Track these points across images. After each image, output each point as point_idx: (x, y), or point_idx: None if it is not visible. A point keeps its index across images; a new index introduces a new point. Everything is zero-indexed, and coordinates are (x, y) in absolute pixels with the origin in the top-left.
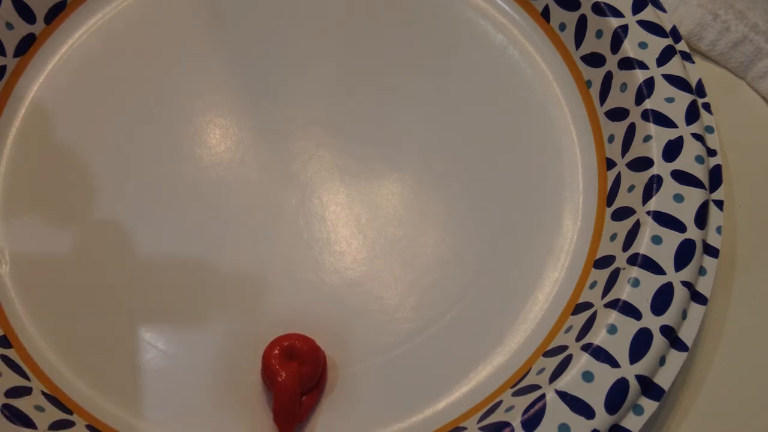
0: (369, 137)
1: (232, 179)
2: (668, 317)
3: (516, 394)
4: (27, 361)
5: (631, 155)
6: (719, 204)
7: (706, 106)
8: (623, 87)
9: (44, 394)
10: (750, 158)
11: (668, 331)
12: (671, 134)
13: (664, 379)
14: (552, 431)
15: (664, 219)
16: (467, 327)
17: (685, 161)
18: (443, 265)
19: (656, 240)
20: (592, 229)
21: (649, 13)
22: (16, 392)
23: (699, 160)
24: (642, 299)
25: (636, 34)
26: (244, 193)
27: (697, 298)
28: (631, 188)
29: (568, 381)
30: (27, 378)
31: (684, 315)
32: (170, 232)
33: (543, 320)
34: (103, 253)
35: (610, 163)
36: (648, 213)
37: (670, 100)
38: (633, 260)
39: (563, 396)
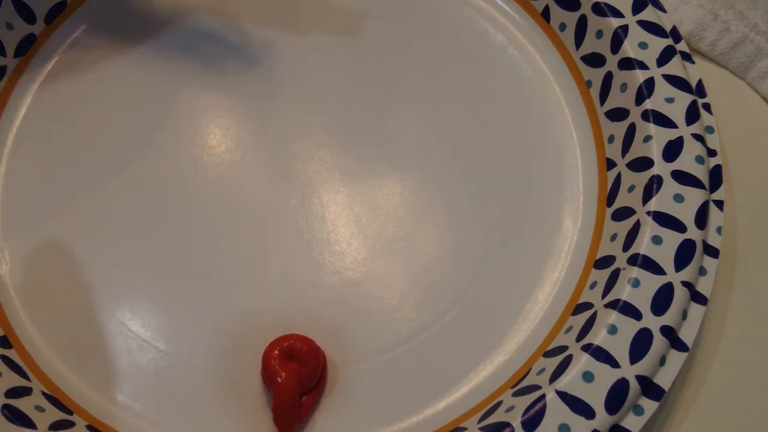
0: (369, 137)
1: (232, 179)
2: (668, 317)
3: (516, 394)
4: (27, 361)
5: (631, 155)
6: (719, 204)
7: (707, 107)
8: (623, 87)
9: (44, 394)
10: (750, 159)
11: (668, 332)
12: (671, 134)
13: (664, 379)
14: (552, 431)
15: (664, 219)
16: (467, 327)
17: (686, 161)
18: (443, 265)
19: (656, 240)
20: (593, 230)
21: (649, 14)
22: (16, 392)
23: (699, 160)
24: (642, 299)
25: (636, 34)
26: (244, 194)
27: (698, 298)
28: (631, 188)
29: (569, 381)
30: (27, 378)
31: (684, 315)
32: (171, 233)
33: (543, 320)
34: (104, 254)
35: (611, 164)
36: (648, 213)
37: (670, 100)
38: (633, 260)
39: (563, 396)
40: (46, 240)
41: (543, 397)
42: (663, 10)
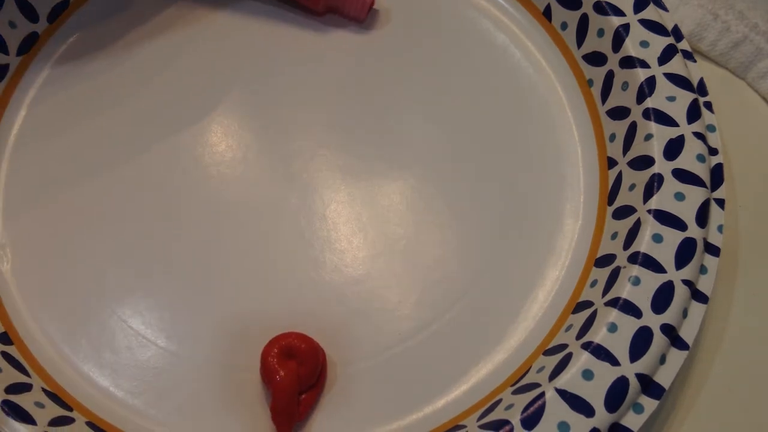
0: (370, 137)
1: (232, 178)
2: (669, 316)
3: (516, 392)
4: (28, 357)
5: (632, 154)
6: (720, 203)
7: (708, 105)
8: (624, 86)
9: (45, 390)
10: (751, 159)
11: (669, 330)
12: (672, 133)
13: (664, 377)
14: (552, 429)
15: (665, 217)
16: (468, 325)
17: (687, 160)
18: (444, 264)
19: (657, 238)
20: (593, 228)
21: (650, 12)
22: (16, 388)
23: (700, 158)
24: (642, 298)
25: (637, 32)
26: (244, 192)
27: (698, 296)
28: (632, 187)
29: (568, 379)
30: (27, 374)
31: (685, 314)
32: (171, 231)
33: (543, 318)
34: (105, 251)
35: (611, 162)
36: (649, 211)
37: (671, 98)
38: (634, 259)
39: (563, 394)
40: (48, 237)
41: (542, 395)
42: (664, 8)
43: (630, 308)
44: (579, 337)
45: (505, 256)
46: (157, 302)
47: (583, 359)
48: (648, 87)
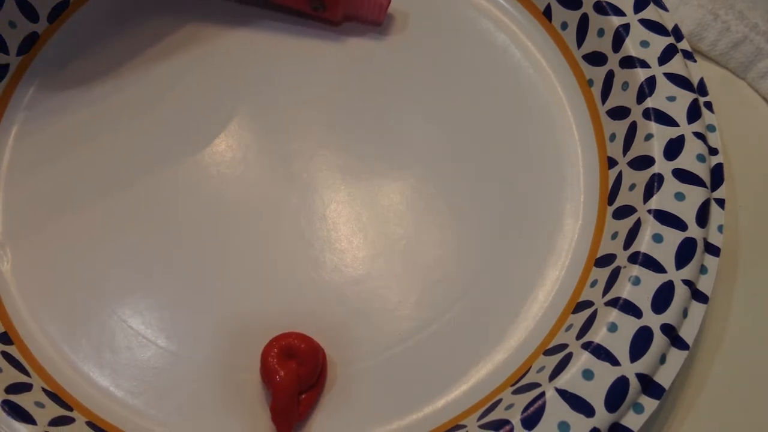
0: (370, 137)
1: (232, 178)
2: (669, 315)
3: (516, 392)
4: (28, 357)
5: (632, 154)
6: (720, 203)
7: (708, 105)
8: (625, 86)
9: (45, 390)
10: (751, 159)
11: (669, 330)
12: (672, 133)
13: (664, 377)
14: (552, 429)
15: (665, 217)
16: (468, 325)
17: (687, 160)
18: (444, 264)
19: (657, 238)
20: (593, 228)
21: (650, 12)
22: (16, 388)
23: (700, 158)
24: (643, 297)
25: (638, 32)
26: (244, 192)
27: (698, 296)
28: (632, 187)
29: (568, 379)
30: (27, 374)
31: (685, 313)
32: (171, 231)
33: (543, 318)
34: (105, 251)
35: (612, 162)
36: (649, 211)
37: (671, 98)
38: (634, 258)
39: (563, 394)
40: (48, 237)
41: (543, 394)
42: (665, 8)
43: (630, 308)
44: (579, 337)
45: (505, 256)
46: (157, 302)
47: (583, 359)
48: (648, 87)
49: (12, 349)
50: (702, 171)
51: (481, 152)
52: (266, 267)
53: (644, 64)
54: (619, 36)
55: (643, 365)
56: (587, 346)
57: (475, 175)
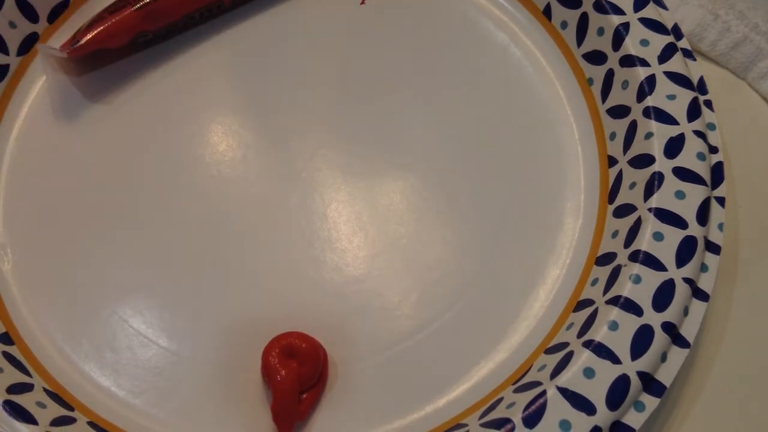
0: (370, 136)
1: (233, 177)
2: (670, 314)
3: (517, 390)
4: (29, 357)
5: (632, 152)
6: (721, 201)
7: (708, 103)
8: (625, 84)
9: (46, 390)
10: (751, 158)
11: (670, 328)
12: (673, 131)
13: (665, 375)
14: (553, 427)
15: (665, 216)
16: (468, 324)
17: (687, 158)
18: (444, 263)
19: (658, 237)
20: (594, 226)
21: (650, 11)
22: (17, 388)
23: (700, 156)
24: (643, 296)
25: (637, 31)
26: (245, 192)
27: (699, 294)
28: (632, 185)
29: (570, 377)
30: (29, 375)
31: (685, 312)
32: (172, 231)
33: (544, 317)
34: (105, 250)
35: (612, 161)
36: (649, 210)
37: (671, 97)
38: (634, 257)
39: (564, 392)
40: (48, 237)
41: (544, 393)
42: (664, 7)
43: (631, 306)
44: (580, 335)
45: (505, 255)
46: (158, 302)
47: (584, 357)
48: (648, 85)
49: (13, 349)
50: (702, 169)
51: (482, 151)
52: (267, 266)
53: (644, 63)
54: (619, 35)
55: (644, 363)
56: (588, 344)
57: (476, 174)
